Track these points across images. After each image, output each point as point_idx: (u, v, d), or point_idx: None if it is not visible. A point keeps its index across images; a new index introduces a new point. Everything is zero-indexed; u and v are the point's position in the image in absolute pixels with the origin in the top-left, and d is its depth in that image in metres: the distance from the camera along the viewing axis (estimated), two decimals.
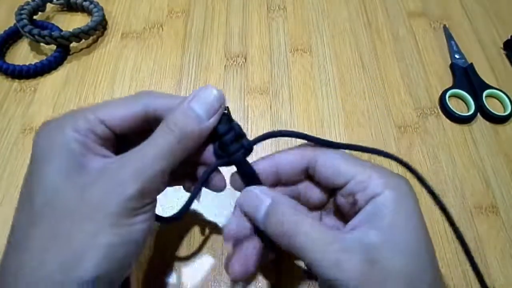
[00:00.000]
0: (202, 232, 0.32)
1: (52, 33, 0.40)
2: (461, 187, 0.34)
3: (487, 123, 0.38)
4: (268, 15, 0.45)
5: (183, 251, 0.31)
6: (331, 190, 0.25)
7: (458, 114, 0.37)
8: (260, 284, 0.29)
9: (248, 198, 0.24)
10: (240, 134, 0.24)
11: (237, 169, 0.24)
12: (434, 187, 0.34)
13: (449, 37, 0.43)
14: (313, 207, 0.26)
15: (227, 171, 0.25)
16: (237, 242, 0.24)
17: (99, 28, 0.43)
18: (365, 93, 0.39)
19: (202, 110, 0.22)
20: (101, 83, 0.40)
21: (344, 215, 0.24)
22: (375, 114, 0.38)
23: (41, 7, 0.44)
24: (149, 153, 0.21)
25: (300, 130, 0.37)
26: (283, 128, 0.37)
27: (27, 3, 0.42)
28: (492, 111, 0.38)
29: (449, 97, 0.39)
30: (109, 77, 0.40)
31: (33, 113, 0.38)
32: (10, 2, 0.45)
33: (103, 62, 0.41)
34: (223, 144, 0.23)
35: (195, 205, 0.30)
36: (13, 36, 0.42)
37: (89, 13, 0.44)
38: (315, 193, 0.25)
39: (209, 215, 0.32)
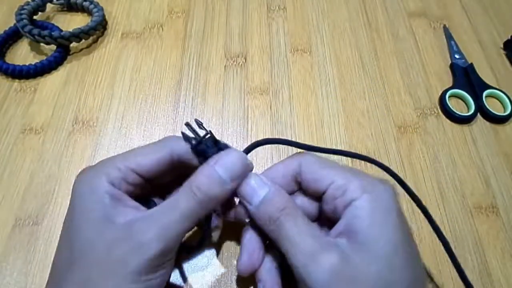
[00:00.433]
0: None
1: (52, 33, 0.40)
2: (461, 187, 0.34)
3: (487, 123, 0.38)
4: (268, 15, 0.45)
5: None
6: (317, 198, 0.25)
7: (458, 114, 0.37)
8: None
9: (248, 182, 0.24)
10: None
11: None
12: (434, 187, 0.34)
13: (449, 37, 0.43)
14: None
15: None
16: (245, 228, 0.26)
17: (99, 28, 0.43)
18: (365, 93, 0.39)
19: (226, 174, 0.23)
20: (101, 83, 0.40)
21: (332, 224, 0.24)
22: (375, 114, 0.38)
23: (41, 7, 0.44)
24: (172, 216, 0.22)
25: (300, 130, 0.37)
26: (283, 128, 0.37)
27: (27, 3, 0.42)
28: (492, 111, 0.38)
29: (449, 97, 0.39)
30: (109, 77, 0.40)
31: (33, 113, 0.38)
32: (10, 2, 0.45)
33: (103, 62, 0.41)
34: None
35: None
36: (13, 36, 0.42)
37: (89, 13, 0.44)
38: (309, 206, 0.26)
39: None
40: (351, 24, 0.45)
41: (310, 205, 0.26)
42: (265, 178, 0.24)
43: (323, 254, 0.21)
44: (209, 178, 0.23)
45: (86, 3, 0.44)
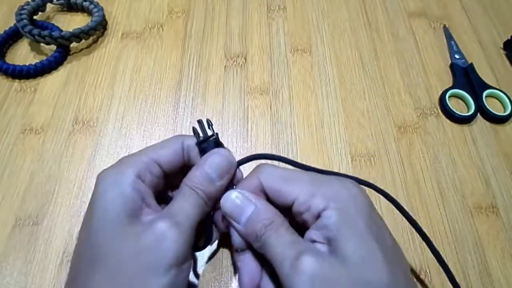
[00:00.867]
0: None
1: (52, 33, 0.40)
2: (461, 187, 0.34)
3: (487, 123, 0.38)
4: (268, 15, 0.45)
5: None
6: (287, 210, 0.25)
7: (458, 114, 0.37)
8: None
9: (232, 202, 0.25)
10: None
11: None
12: (434, 187, 0.34)
13: (449, 37, 0.43)
14: None
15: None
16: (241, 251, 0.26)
17: (99, 28, 0.43)
18: (365, 93, 0.39)
19: (215, 173, 0.24)
20: (101, 83, 0.40)
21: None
22: (375, 114, 0.38)
23: (41, 7, 0.44)
24: (185, 212, 0.23)
25: (300, 130, 0.37)
26: (283, 128, 0.37)
27: (27, 3, 0.42)
28: (492, 111, 0.38)
29: (449, 97, 0.39)
30: (109, 77, 0.40)
31: (33, 113, 0.38)
32: (10, 2, 0.45)
33: (103, 62, 0.41)
34: None
35: None
36: (13, 36, 0.42)
37: (89, 13, 0.44)
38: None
39: None
40: (351, 24, 0.45)
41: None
42: (250, 194, 0.24)
43: (301, 259, 0.21)
44: (201, 176, 0.24)
45: (86, 3, 0.44)
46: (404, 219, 0.32)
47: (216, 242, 0.31)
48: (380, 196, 0.28)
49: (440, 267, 0.27)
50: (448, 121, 0.38)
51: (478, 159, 0.35)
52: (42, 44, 0.41)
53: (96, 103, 0.38)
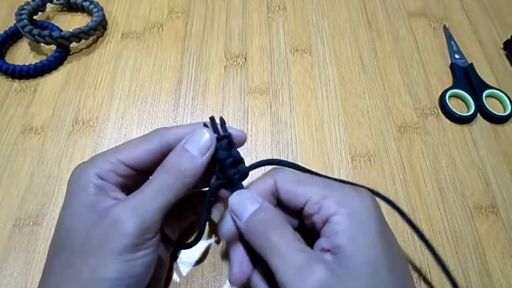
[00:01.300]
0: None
1: (52, 33, 0.40)
2: (461, 187, 0.34)
3: (487, 123, 0.38)
4: (268, 15, 0.45)
5: (183, 251, 0.31)
6: (297, 214, 0.25)
7: (458, 114, 0.37)
8: None
9: (240, 199, 0.25)
10: (238, 160, 0.26)
11: (231, 193, 0.26)
12: (434, 187, 0.34)
13: (449, 37, 0.43)
14: None
15: None
16: (232, 241, 0.26)
17: (99, 28, 0.43)
18: (365, 93, 0.39)
19: (195, 150, 0.24)
20: (101, 83, 0.40)
21: (314, 239, 0.24)
22: (375, 114, 0.38)
23: (41, 7, 0.44)
24: (147, 192, 0.23)
25: (300, 130, 0.37)
26: (283, 128, 0.37)
27: (27, 3, 0.42)
28: (492, 111, 0.38)
29: (449, 97, 0.39)
30: (109, 77, 0.40)
31: (33, 113, 0.38)
32: (10, 2, 0.45)
33: (103, 62, 0.41)
34: (223, 168, 0.25)
35: None
36: (13, 36, 0.42)
37: (89, 13, 0.44)
38: (289, 221, 0.26)
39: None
40: (351, 24, 0.45)
41: (290, 221, 0.26)
42: (255, 194, 0.24)
43: (310, 269, 0.21)
44: (180, 155, 0.24)
45: (86, 3, 0.44)
46: (397, 222, 0.32)
47: (214, 241, 0.31)
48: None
49: (442, 270, 0.27)
50: (448, 121, 0.38)
51: (478, 159, 0.35)
52: (42, 44, 0.41)
53: (96, 103, 0.38)
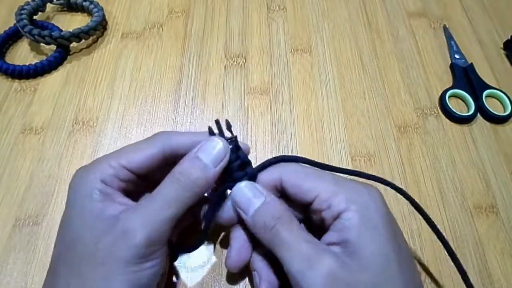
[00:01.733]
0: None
1: (52, 33, 0.40)
2: (461, 187, 0.34)
3: (487, 123, 0.38)
4: (268, 15, 0.45)
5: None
6: (304, 208, 0.25)
7: (458, 114, 0.37)
8: None
9: (243, 192, 0.24)
10: (246, 162, 0.26)
11: None
12: (434, 187, 0.34)
13: (449, 37, 0.43)
14: None
15: None
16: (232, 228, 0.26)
17: (99, 28, 0.43)
18: (365, 93, 0.39)
19: (208, 159, 0.23)
20: (101, 83, 0.40)
21: (320, 233, 0.24)
22: (375, 114, 0.38)
23: (41, 7, 0.44)
24: (156, 202, 0.22)
25: (300, 130, 0.37)
26: (283, 128, 0.37)
27: (27, 3, 0.42)
28: (492, 111, 0.38)
29: (449, 97, 0.39)
30: (109, 77, 0.40)
31: (33, 113, 0.38)
32: (10, 2, 0.45)
33: (103, 62, 0.41)
34: (230, 170, 0.25)
35: None
36: (13, 36, 0.42)
37: (89, 13, 0.44)
38: (294, 213, 0.26)
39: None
40: (351, 24, 0.45)
41: (294, 213, 0.26)
42: (260, 187, 0.24)
43: (319, 258, 0.21)
44: (192, 163, 0.23)
45: (86, 3, 0.44)
46: (404, 217, 0.32)
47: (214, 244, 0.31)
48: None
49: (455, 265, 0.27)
50: (448, 121, 0.38)
51: (478, 159, 0.35)
52: (42, 44, 0.41)
53: (96, 103, 0.38)
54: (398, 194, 0.27)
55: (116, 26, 0.44)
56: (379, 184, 0.26)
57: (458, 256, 0.30)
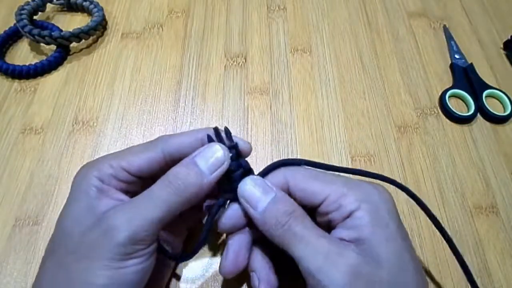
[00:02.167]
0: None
1: (52, 33, 0.40)
2: (461, 187, 0.34)
3: (487, 123, 0.38)
4: (268, 15, 0.45)
5: None
6: (310, 211, 0.25)
7: (458, 114, 0.37)
8: None
9: (252, 187, 0.24)
10: (248, 170, 0.25)
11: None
12: (434, 187, 0.34)
13: (449, 37, 0.43)
14: None
15: None
16: (231, 234, 0.25)
17: (99, 28, 0.43)
18: (365, 93, 0.39)
19: (205, 166, 0.23)
20: (101, 83, 0.40)
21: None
22: (375, 114, 0.38)
23: (41, 7, 0.44)
24: (144, 202, 0.22)
25: (300, 130, 0.37)
26: (283, 128, 0.37)
27: (27, 3, 0.42)
28: (492, 111, 0.38)
29: (449, 97, 0.39)
30: (109, 77, 0.40)
31: (33, 113, 0.38)
32: (10, 2, 0.45)
33: (103, 62, 0.41)
34: (232, 179, 0.24)
35: None
36: (13, 36, 0.42)
37: (89, 13, 0.44)
38: None
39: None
40: (351, 24, 0.45)
41: None
42: (270, 182, 0.24)
43: (341, 254, 0.21)
44: (187, 168, 0.23)
45: (86, 3, 0.44)
46: (404, 217, 0.32)
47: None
48: None
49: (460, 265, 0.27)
50: (448, 121, 0.38)
51: (478, 159, 0.35)
52: (42, 44, 0.41)
53: (96, 103, 0.38)
54: (398, 194, 0.27)
55: (116, 26, 0.44)
56: (382, 182, 0.26)
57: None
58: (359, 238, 0.22)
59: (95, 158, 0.33)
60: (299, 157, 0.35)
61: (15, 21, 0.41)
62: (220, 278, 0.29)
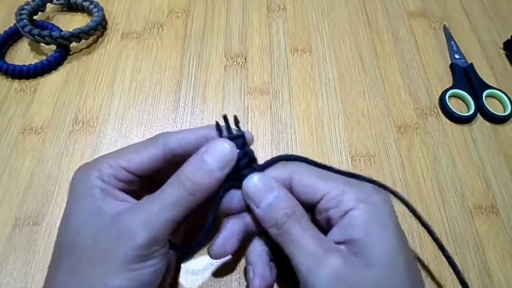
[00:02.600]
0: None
1: (52, 33, 0.40)
2: (461, 187, 0.34)
3: (487, 123, 0.38)
4: (268, 15, 0.45)
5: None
6: (310, 208, 0.25)
7: (458, 114, 0.37)
8: None
9: (255, 184, 0.24)
10: (253, 159, 0.25)
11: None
12: (434, 187, 0.34)
13: (449, 37, 0.43)
14: None
15: None
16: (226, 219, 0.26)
17: (99, 28, 0.43)
18: (365, 93, 0.39)
19: (215, 163, 0.23)
20: (101, 83, 0.40)
21: (323, 232, 0.24)
22: (375, 114, 0.38)
23: (41, 7, 0.44)
24: (159, 204, 0.22)
25: (300, 130, 0.37)
26: (283, 128, 0.37)
27: (27, 3, 0.42)
28: (492, 111, 0.38)
29: (449, 97, 0.39)
30: (109, 77, 0.40)
31: (33, 113, 0.38)
32: (10, 2, 0.45)
33: (103, 62, 0.41)
34: (237, 168, 0.24)
35: None
36: (13, 36, 0.42)
37: (89, 13, 0.44)
38: None
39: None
40: (351, 24, 0.45)
41: None
42: (273, 180, 0.24)
43: (326, 257, 0.21)
44: (197, 166, 0.23)
45: (86, 3, 0.44)
46: (404, 217, 0.32)
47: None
48: None
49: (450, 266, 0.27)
50: (448, 121, 0.38)
51: (478, 159, 0.35)
52: (42, 44, 0.41)
53: (96, 103, 0.38)
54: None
55: (116, 26, 0.44)
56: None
57: (458, 256, 0.30)
58: (351, 239, 0.22)
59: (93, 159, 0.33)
60: None
61: (15, 21, 0.41)
62: (220, 278, 0.29)
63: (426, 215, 0.32)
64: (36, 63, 0.40)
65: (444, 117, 0.38)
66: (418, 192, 0.34)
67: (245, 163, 0.25)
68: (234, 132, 0.25)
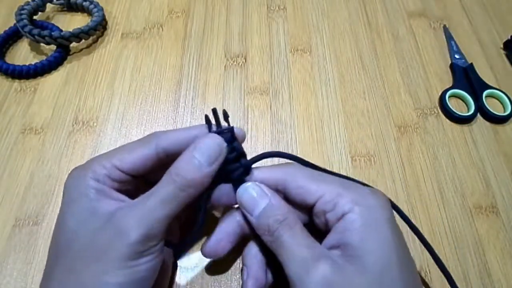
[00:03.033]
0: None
1: (52, 33, 0.40)
2: (461, 187, 0.34)
3: (487, 123, 0.38)
4: (268, 15, 0.45)
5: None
6: (308, 211, 0.25)
7: (458, 114, 0.37)
8: None
9: (249, 193, 0.24)
10: (241, 154, 0.25)
11: (234, 186, 0.25)
12: (434, 187, 0.34)
13: (449, 37, 0.43)
14: None
15: None
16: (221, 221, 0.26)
17: (99, 28, 0.43)
18: (365, 93, 0.39)
19: (203, 158, 0.23)
20: (101, 83, 0.40)
21: (322, 235, 0.24)
22: (375, 114, 0.38)
23: (41, 7, 0.44)
24: (152, 201, 0.22)
25: (300, 130, 0.37)
26: (283, 128, 0.37)
27: (27, 3, 0.42)
28: (492, 111, 0.38)
29: (449, 97, 0.39)
30: (109, 77, 0.40)
31: (33, 113, 0.38)
32: (10, 2, 0.45)
33: (103, 62, 0.41)
34: (225, 162, 0.24)
35: None
36: (13, 36, 0.42)
37: (89, 13, 0.44)
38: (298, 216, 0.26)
39: (208, 215, 0.32)
40: (351, 24, 0.45)
41: (299, 215, 0.26)
42: (266, 188, 0.24)
43: (315, 264, 0.21)
44: (187, 163, 0.23)
45: (86, 3, 0.44)
46: (400, 221, 0.32)
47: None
48: None
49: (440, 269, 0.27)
50: (448, 121, 0.38)
51: (478, 159, 0.35)
52: (42, 44, 0.41)
53: (96, 103, 0.38)
54: (398, 194, 0.27)
55: (116, 26, 0.44)
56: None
57: (458, 256, 0.30)
58: (346, 243, 0.22)
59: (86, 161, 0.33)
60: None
61: (15, 21, 0.41)
62: (220, 278, 0.29)
63: (426, 215, 0.32)
64: (36, 63, 0.40)
65: (444, 117, 0.38)
66: (418, 192, 0.34)
67: (234, 157, 0.25)
68: (224, 126, 0.25)
